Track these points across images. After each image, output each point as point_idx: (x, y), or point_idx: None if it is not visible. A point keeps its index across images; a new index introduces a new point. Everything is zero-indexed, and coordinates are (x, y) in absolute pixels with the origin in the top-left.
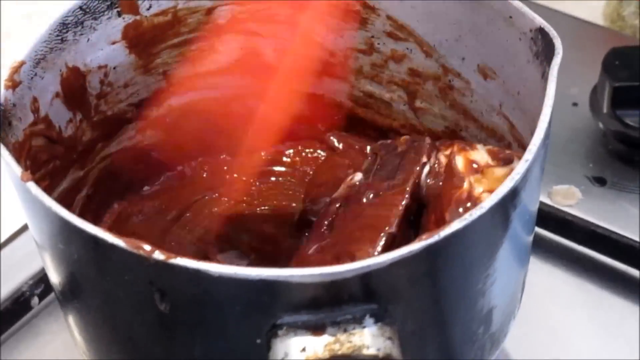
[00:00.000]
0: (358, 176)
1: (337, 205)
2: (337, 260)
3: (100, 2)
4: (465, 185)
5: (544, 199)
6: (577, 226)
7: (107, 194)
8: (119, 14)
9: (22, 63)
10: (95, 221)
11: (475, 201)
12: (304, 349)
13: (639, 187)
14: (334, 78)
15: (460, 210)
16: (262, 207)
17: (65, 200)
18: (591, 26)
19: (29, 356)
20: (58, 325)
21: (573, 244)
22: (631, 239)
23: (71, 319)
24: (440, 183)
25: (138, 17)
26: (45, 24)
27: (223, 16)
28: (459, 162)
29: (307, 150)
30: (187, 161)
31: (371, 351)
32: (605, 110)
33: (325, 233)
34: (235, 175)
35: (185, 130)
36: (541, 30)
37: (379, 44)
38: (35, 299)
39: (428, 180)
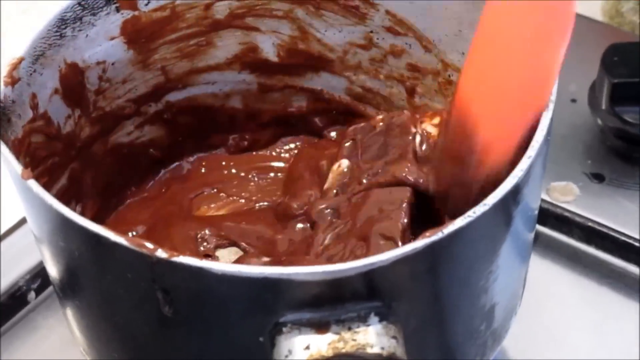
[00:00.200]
0: (345, 163)
1: (334, 192)
2: (365, 240)
3: None
4: None
5: (542, 195)
6: (575, 223)
7: (106, 190)
8: (118, 10)
9: (21, 59)
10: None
11: None
12: (307, 347)
13: (638, 184)
14: (333, 73)
15: None
16: (261, 203)
17: (65, 197)
18: (590, 22)
19: (26, 351)
20: (55, 320)
21: (571, 240)
22: (629, 236)
23: (70, 316)
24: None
25: (136, 13)
26: (44, 20)
27: (221, 11)
28: None
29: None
30: (185, 157)
31: (375, 350)
32: (604, 106)
33: (334, 221)
34: (233, 171)
35: (184, 126)
36: None
37: (378, 38)
38: (32, 294)
39: (423, 148)
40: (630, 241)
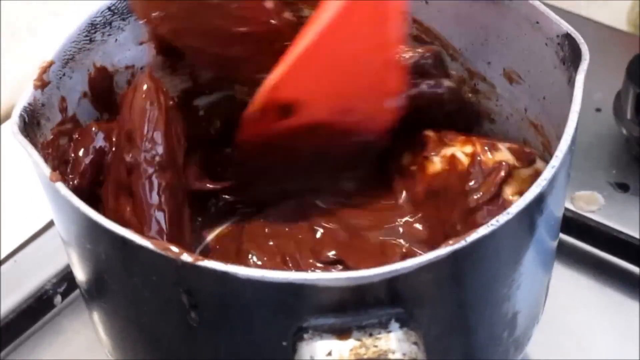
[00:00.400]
0: None
1: None
2: None
3: (127, 2)
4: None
5: (567, 204)
6: (599, 232)
7: None
8: None
9: (51, 63)
10: None
11: (506, 204)
12: (329, 353)
13: None
14: None
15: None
16: None
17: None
18: (615, 31)
19: (52, 354)
20: (80, 323)
21: (595, 249)
22: None
23: (96, 318)
24: None
25: None
26: (74, 24)
27: None
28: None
29: None
30: None
31: (397, 356)
32: (629, 116)
33: None
34: None
35: None
36: (568, 36)
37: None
38: (59, 297)
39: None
40: None
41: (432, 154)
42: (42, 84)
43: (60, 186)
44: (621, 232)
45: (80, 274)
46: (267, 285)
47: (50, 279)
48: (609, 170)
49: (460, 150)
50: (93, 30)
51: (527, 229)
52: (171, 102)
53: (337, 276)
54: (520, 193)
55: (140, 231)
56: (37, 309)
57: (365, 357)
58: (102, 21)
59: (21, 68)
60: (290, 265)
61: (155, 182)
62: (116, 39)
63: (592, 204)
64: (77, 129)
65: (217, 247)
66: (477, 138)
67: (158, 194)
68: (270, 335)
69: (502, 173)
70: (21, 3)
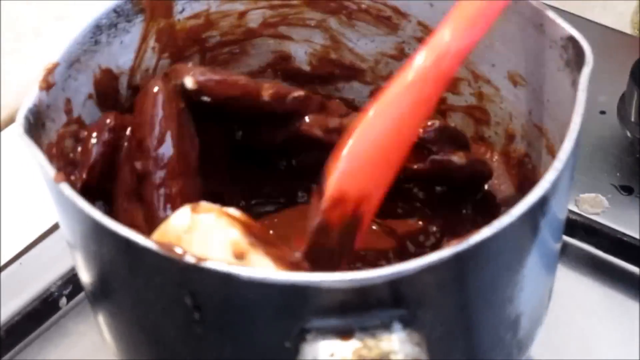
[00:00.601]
0: None
1: None
2: None
3: (133, 4)
4: None
5: (571, 206)
6: (603, 234)
7: None
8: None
9: (56, 64)
10: None
11: None
12: (332, 354)
13: None
14: (364, 83)
15: None
16: None
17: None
18: (619, 35)
19: (57, 356)
20: (86, 326)
21: (599, 252)
22: None
23: (101, 319)
24: None
25: (171, 20)
26: (79, 26)
27: (255, 20)
28: None
29: None
30: None
31: (399, 357)
32: (633, 118)
33: None
34: None
35: None
36: (572, 39)
37: (409, 49)
38: (64, 300)
39: None
40: None
41: None
42: (47, 85)
43: (65, 187)
44: (625, 235)
45: (85, 276)
46: (270, 286)
47: (55, 281)
48: (613, 173)
49: None
50: (98, 32)
51: (530, 231)
52: (182, 105)
53: (339, 277)
54: None
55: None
56: (42, 312)
57: (367, 358)
58: (108, 23)
59: (26, 71)
60: None
61: (167, 190)
62: (121, 41)
63: (596, 207)
64: (87, 127)
65: None
66: None
67: (170, 201)
68: (273, 336)
69: None
70: (26, 6)
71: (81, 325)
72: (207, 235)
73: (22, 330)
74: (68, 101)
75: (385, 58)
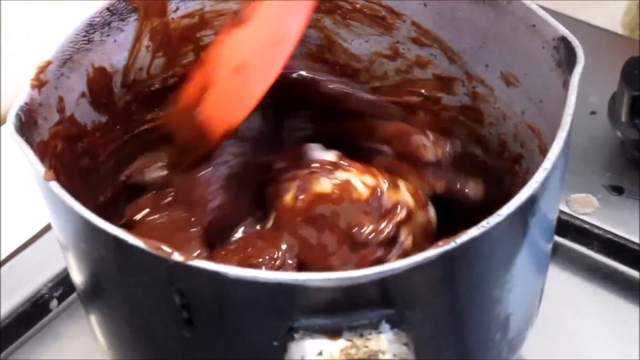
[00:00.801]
0: None
1: None
2: None
3: (127, 3)
4: None
5: (561, 207)
6: (594, 234)
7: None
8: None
9: (49, 63)
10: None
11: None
12: (320, 353)
13: None
14: (359, 83)
15: None
16: None
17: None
18: (610, 35)
19: (48, 358)
20: (77, 327)
21: (590, 252)
22: None
23: (93, 319)
24: None
25: (165, 19)
26: (72, 25)
27: None
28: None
29: None
30: None
31: (387, 356)
32: (623, 119)
33: None
34: None
35: None
36: (563, 39)
37: (403, 49)
38: (55, 302)
39: None
40: None
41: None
42: (39, 83)
43: (54, 185)
44: (616, 235)
45: (77, 276)
46: (258, 285)
47: (46, 283)
48: (603, 173)
49: (359, 179)
50: (92, 30)
51: (519, 232)
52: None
53: (328, 277)
54: (414, 235)
55: None
56: (33, 314)
57: (355, 357)
58: (101, 22)
59: (20, 70)
60: None
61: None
62: (115, 40)
63: (587, 207)
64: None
65: None
66: (377, 170)
67: None
68: (262, 335)
69: (403, 215)
70: (20, 5)
71: (72, 328)
72: None
73: (13, 333)
74: (61, 99)
75: (380, 58)
